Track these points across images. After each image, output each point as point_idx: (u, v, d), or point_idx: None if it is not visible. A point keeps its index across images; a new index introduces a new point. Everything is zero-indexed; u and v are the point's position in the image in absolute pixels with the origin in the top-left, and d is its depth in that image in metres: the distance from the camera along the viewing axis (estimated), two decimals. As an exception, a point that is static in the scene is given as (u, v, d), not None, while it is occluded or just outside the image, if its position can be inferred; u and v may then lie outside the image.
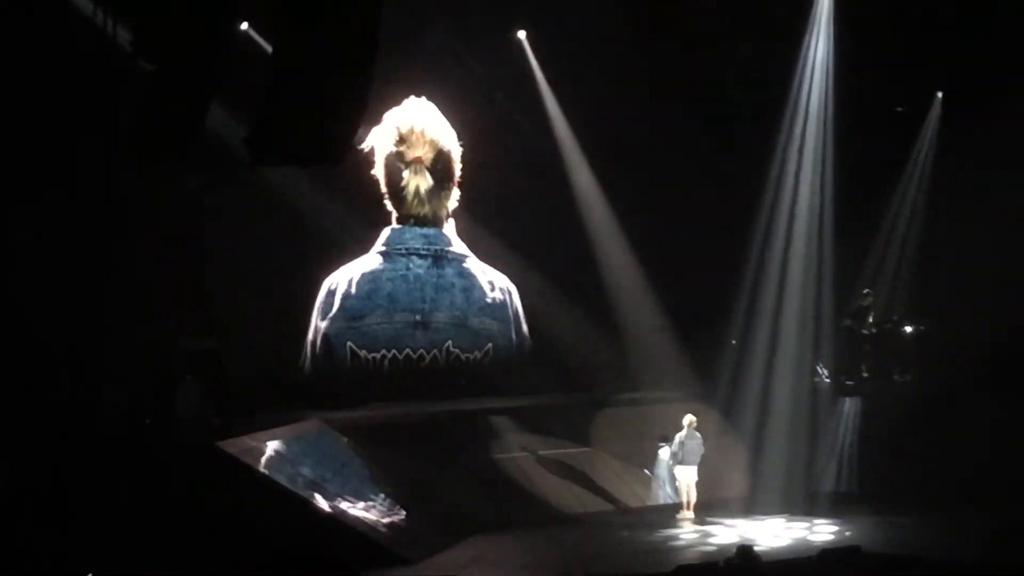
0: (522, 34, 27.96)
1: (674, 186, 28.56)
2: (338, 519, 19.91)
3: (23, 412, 20.33)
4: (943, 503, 23.67)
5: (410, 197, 26.72)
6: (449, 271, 26.99)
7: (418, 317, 26.49)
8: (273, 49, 14.60)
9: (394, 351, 26.22)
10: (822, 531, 22.44)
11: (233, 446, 20.12)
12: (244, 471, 19.65)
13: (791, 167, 29.09)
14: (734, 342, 28.50)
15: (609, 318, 28.05)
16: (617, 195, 28.66)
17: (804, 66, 29.11)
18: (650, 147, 28.56)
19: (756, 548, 17.44)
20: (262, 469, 20.04)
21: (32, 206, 23.25)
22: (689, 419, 23.74)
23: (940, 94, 29.64)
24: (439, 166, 26.96)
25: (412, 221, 26.96)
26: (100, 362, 21.46)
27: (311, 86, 13.57)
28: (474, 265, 27.21)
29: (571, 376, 27.84)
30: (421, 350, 26.37)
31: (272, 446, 21.19)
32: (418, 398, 25.52)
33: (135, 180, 22.02)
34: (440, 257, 27.00)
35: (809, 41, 28.80)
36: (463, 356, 26.63)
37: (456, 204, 27.38)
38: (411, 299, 26.58)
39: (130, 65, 20.31)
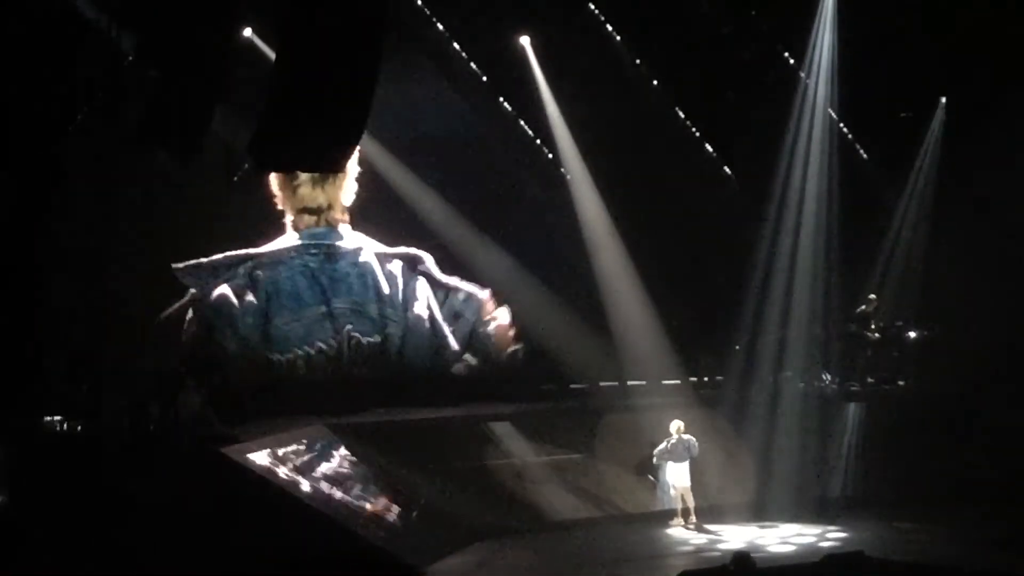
0: (525, 39, 27.96)
1: (678, 192, 28.58)
2: (342, 525, 19.89)
3: (25, 417, 20.35)
4: (947, 508, 23.65)
5: (302, 184, 26.66)
6: (342, 263, 26.83)
7: (323, 308, 26.41)
8: (276, 55, 14.63)
9: (306, 348, 26.08)
10: (826, 536, 22.40)
11: (236, 452, 20.10)
12: (247, 477, 19.63)
13: (797, 173, 29.11)
14: (738, 347, 28.50)
15: (609, 324, 28.01)
16: (620, 203, 28.64)
17: (808, 72, 29.14)
18: (654, 155, 28.58)
19: (757, 554, 17.45)
20: (265, 475, 20.02)
21: (34, 209, 23.27)
22: (676, 425, 23.66)
23: (944, 99, 29.64)
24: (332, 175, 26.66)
25: (306, 216, 26.79)
26: (102, 368, 21.49)
27: (314, 92, 13.60)
28: (370, 256, 27.02)
29: (569, 381, 27.89)
30: (331, 340, 26.27)
31: (275, 452, 21.17)
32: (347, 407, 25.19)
33: (137, 183, 22.06)
34: (331, 253, 26.85)
35: (813, 48, 28.81)
36: (363, 340, 26.45)
37: (353, 199, 27.13)
38: (313, 292, 26.52)
39: (136, 71, 20.50)
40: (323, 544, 18.80)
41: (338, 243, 26.85)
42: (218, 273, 25.53)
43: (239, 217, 25.92)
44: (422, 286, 27.17)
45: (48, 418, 20.90)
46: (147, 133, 15.72)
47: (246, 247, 25.79)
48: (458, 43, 27.25)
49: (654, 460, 23.89)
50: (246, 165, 24.15)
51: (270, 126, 13.88)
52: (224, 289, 25.35)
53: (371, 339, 26.47)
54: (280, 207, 26.78)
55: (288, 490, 19.96)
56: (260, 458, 20.52)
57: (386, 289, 26.78)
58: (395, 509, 21.95)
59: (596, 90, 28.83)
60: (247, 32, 23.55)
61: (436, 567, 20.11)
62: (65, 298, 22.26)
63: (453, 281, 27.37)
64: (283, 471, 20.66)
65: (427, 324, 27.00)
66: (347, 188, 27.03)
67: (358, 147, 23.68)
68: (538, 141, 28.15)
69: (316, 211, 26.92)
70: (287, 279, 26.26)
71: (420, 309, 27.02)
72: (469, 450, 24.49)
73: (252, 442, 21.00)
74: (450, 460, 24.09)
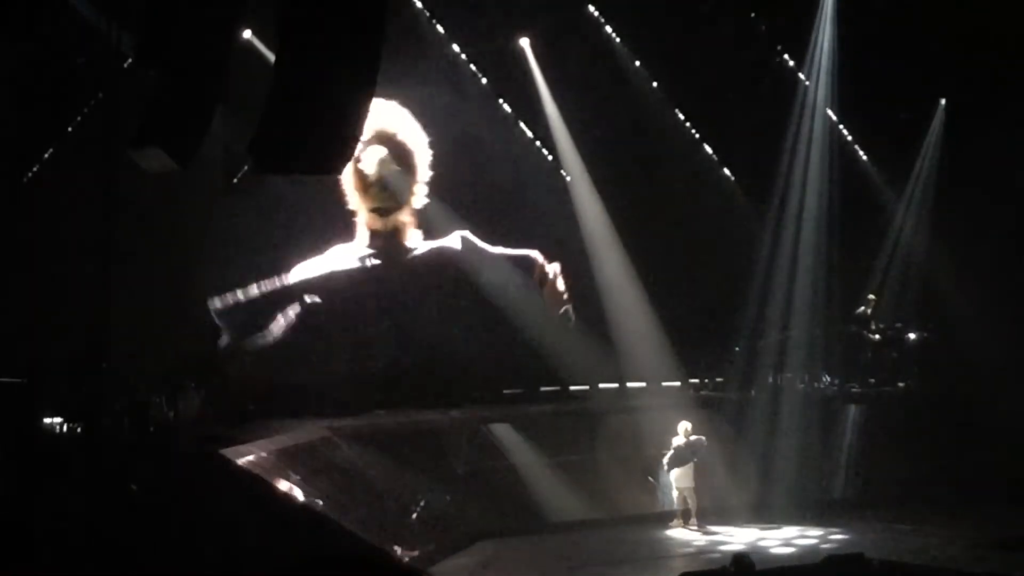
0: (524, 41, 27.97)
1: (678, 193, 28.60)
2: (342, 527, 19.88)
3: (25, 417, 20.34)
4: (947, 509, 23.66)
5: (372, 182, 26.95)
6: (404, 272, 27.52)
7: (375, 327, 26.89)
8: (276, 57, 14.62)
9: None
10: (826, 538, 22.41)
11: (236, 454, 20.09)
12: (247, 479, 19.63)
13: (797, 174, 29.15)
14: (738, 349, 28.52)
15: (609, 325, 28.01)
16: (620, 205, 28.64)
17: (808, 74, 29.18)
18: (654, 156, 28.60)
19: (757, 555, 17.43)
20: (265, 477, 20.01)
21: (35, 210, 23.29)
22: (685, 427, 23.67)
23: (943, 101, 29.65)
24: (400, 159, 27.26)
25: (376, 215, 27.18)
26: (102, 369, 21.48)
27: (314, 95, 13.59)
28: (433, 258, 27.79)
29: (570, 383, 27.97)
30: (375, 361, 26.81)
31: (275, 454, 21.16)
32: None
33: (136, 186, 22.03)
34: (395, 260, 27.41)
35: (813, 49, 28.85)
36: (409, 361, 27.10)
37: (425, 201, 27.53)
38: (365, 311, 26.98)
39: (134, 72, 20.50)
40: (323, 546, 18.78)
41: (404, 247, 27.36)
42: (257, 314, 25.81)
43: (240, 219, 25.91)
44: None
45: (48, 419, 20.90)
46: (146, 134, 15.69)
47: (247, 249, 25.77)
48: (458, 45, 27.23)
49: (664, 463, 23.82)
50: (246, 167, 24.13)
51: (270, 128, 13.86)
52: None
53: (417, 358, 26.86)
54: (351, 207, 27.09)
55: (288, 492, 19.95)
56: (260, 460, 20.51)
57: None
58: (396, 511, 21.94)
59: (595, 92, 28.86)
60: (247, 33, 23.54)
61: (437, 568, 20.12)
62: (65, 298, 22.25)
63: (499, 250, 27.89)
64: (283, 473, 20.65)
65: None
66: (418, 192, 27.41)
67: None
68: (537, 143, 28.14)
69: (386, 212, 27.19)
70: (342, 301, 26.61)
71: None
72: (470, 452, 24.50)
73: (252, 443, 20.99)
74: (451, 462, 24.12)
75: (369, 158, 26.97)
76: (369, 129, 26.44)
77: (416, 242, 27.73)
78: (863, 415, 26.38)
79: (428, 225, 27.80)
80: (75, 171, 23.23)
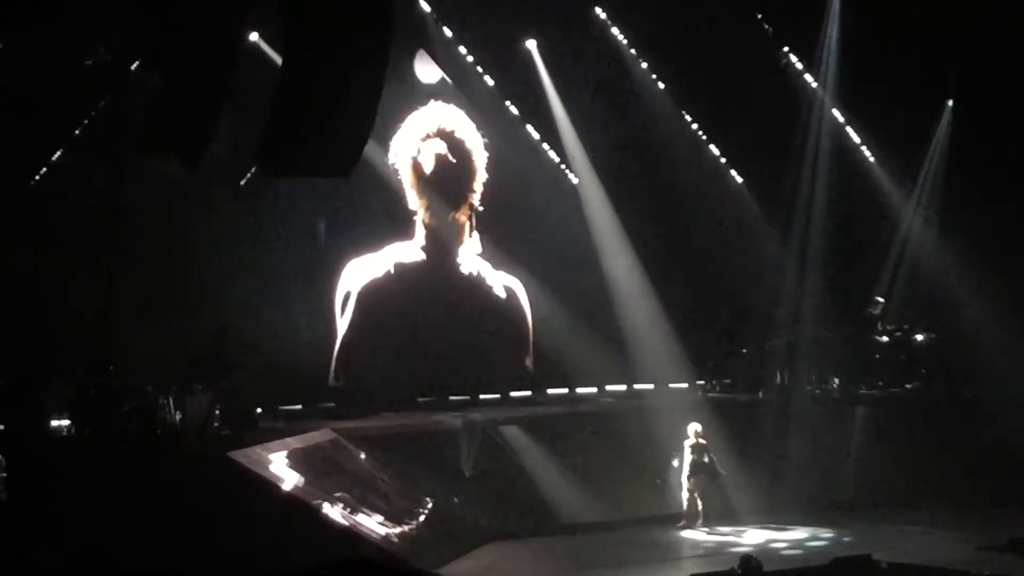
0: (531, 43, 27.97)
1: (686, 195, 28.60)
2: (349, 529, 19.88)
3: (32, 419, 20.36)
4: (955, 511, 23.60)
5: (430, 177, 27.27)
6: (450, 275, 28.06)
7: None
8: (283, 60, 14.62)
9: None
10: (833, 539, 22.37)
11: (244, 456, 20.09)
12: (254, 481, 19.63)
13: (805, 176, 29.14)
14: (745, 351, 28.50)
15: (618, 327, 28.00)
16: (628, 207, 28.65)
17: (815, 75, 29.18)
18: (661, 158, 28.61)
19: (764, 557, 17.39)
20: (272, 479, 20.02)
21: (42, 212, 23.31)
22: (694, 428, 23.63)
23: (950, 102, 29.61)
24: (458, 155, 27.66)
25: (434, 212, 27.58)
26: (109, 371, 21.50)
27: (321, 97, 13.58)
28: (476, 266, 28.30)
29: (578, 385, 28.04)
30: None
31: (283, 456, 21.17)
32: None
33: (143, 188, 22.07)
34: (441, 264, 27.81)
35: (820, 51, 28.85)
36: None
37: (478, 204, 27.87)
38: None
39: (141, 74, 20.53)
40: (331, 548, 18.76)
41: (458, 251, 27.81)
42: None
43: (247, 222, 25.93)
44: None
45: (55, 421, 20.91)
46: (152, 137, 15.69)
47: (253, 252, 25.83)
48: (465, 47, 27.25)
49: (684, 471, 23.71)
50: (253, 169, 24.14)
51: (276, 131, 13.85)
52: None
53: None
54: (411, 206, 27.49)
55: (295, 494, 19.95)
56: (267, 462, 20.52)
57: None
58: (403, 513, 21.93)
59: (603, 94, 28.87)
60: (253, 37, 23.55)
61: (446, 571, 20.09)
62: (73, 301, 22.27)
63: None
64: (290, 475, 20.66)
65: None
66: (476, 189, 28.04)
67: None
68: (545, 145, 28.14)
69: (443, 209, 27.78)
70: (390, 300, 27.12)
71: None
72: (478, 454, 24.49)
73: (259, 446, 21.00)
74: (459, 463, 24.11)
75: (427, 152, 27.23)
76: (429, 126, 26.87)
77: (473, 250, 27.91)
78: (871, 417, 26.32)
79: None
80: (82, 174, 23.26)
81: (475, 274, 28.10)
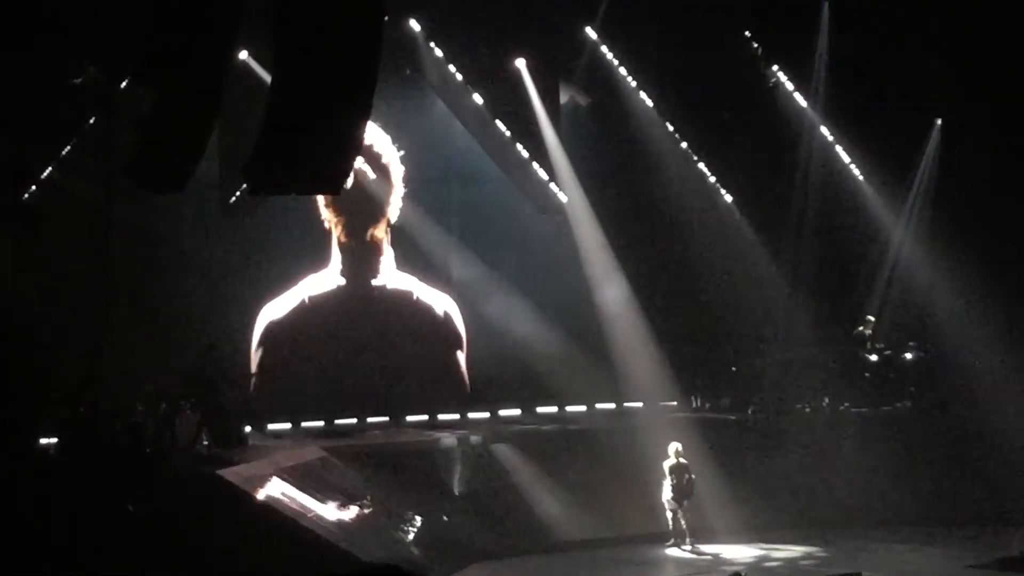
0: (520, 62, 28.00)
1: (676, 213, 28.64)
2: (338, 547, 19.86)
3: (22, 438, 20.32)
4: (945, 529, 23.64)
5: (349, 191, 27.08)
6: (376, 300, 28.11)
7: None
8: (272, 78, 14.64)
9: None
10: (824, 557, 22.37)
11: (234, 475, 20.08)
12: (243, 499, 19.61)
13: (795, 196, 29.24)
14: (735, 369, 28.52)
15: (607, 346, 28.01)
16: (617, 226, 28.68)
17: (805, 94, 29.26)
18: (652, 176, 28.66)
19: (754, 574, 17.43)
20: (261, 497, 20.00)
21: (32, 230, 23.30)
22: (675, 447, 23.57)
23: (939, 120, 29.69)
24: (376, 168, 27.55)
25: (352, 231, 27.45)
26: (98, 390, 21.46)
27: (310, 116, 13.60)
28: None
29: (568, 403, 28.09)
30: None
31: (273, 474, 21.16)
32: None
33: (133, 206, 22.07)
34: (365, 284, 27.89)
35: (810, 69, 28.93)
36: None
37: (396, 216, 27.76)
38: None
39: (131, 93, 20.55)
40: (320, 566, 18.75)
41: (376, 271, 27.68)
42: None
43: (235, 240, 25.95)
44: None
45: (44, 440, 20.88)
46: (141, 156, 15.70)
47: (243, 270, 25.84)
48: (454, 66, 27.28)
49: (666, 494, 23.68)
50: (243, 187, 24.15)
51: (265, 148, 13.87)
52: None
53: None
54: (327, 226, 27.30)
55: (284, 512, 19.93)
56: (256, 480, 20.50)
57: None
58: (393, 531, 21.92)
59: (592, 112, 28.95)
60: (243, 55, 23.59)
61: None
62: (61, 319, 22.24)
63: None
64: (279, 493, 20.64)
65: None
66: (394, 203, 27.80)
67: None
68: (535, 164, 28.16)
69: (362, 226, 27.57)
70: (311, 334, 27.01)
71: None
72: (467, 471, 24.49)
73: (248, 464, 21.00)
74: (448, 481, 24.11)
75: None
76: None
77: (389, 265, 27.71)
78: (860, 435, 26.31)
79: (431, 255, 27.92)
80: (72, 191, 23.26)
81: (400, 288, 27.88)
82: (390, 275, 27.89)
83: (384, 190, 27.67)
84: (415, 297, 27.98)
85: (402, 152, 27.84)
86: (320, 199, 27.01)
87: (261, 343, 26.57)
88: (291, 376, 26.57)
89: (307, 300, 26.99)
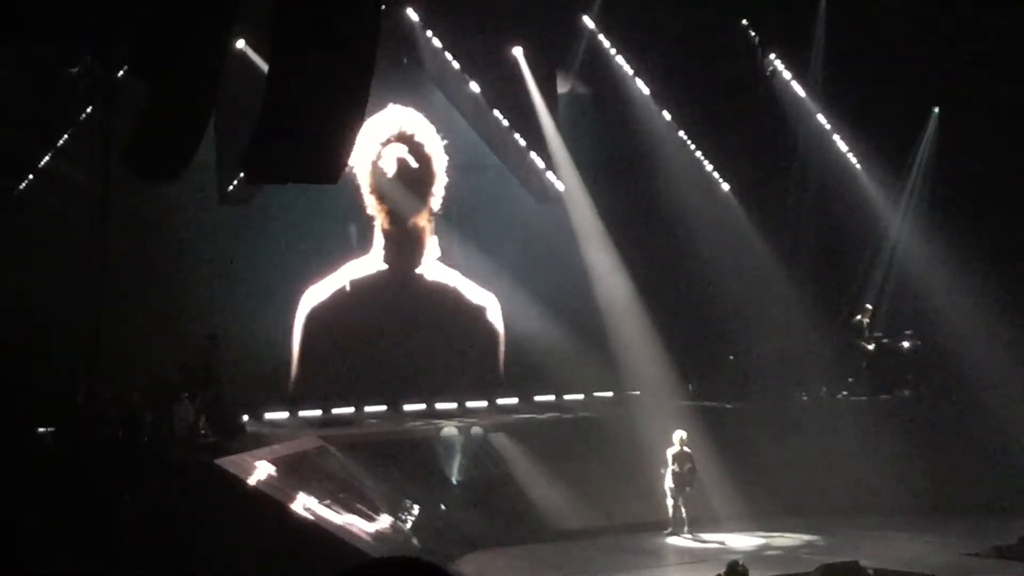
0: (518, 50, 27.97)
1: (674, 203, 28.61)
2: (336, 537, 19.87)
3: (24, 429, 20.31)
4: (943, 517, 23.66)
5: (391, 181, 27.33)
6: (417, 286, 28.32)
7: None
8: (270, 67, 14.63)
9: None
10: (821, 546, 22.40)
11: (231, 464, 20.08)
12: (241, 489, 19.62)
13: (793, 185, 29.25)
14: (732, 357, 28.51)
15: (606, 335, 28.00)
16: (614, 214, 28.65)
17: (803, 84, 29.26)
18: (649, 164, 28.65)
19: (751, 563, 17.45)
20: (258, 487, 20.00)
21: (28, 221, 23.28)
22: (679, 436, 23.62)
23: (936, 109, 29.68)
24: (419, 159, 27.75)
25: (394, 218, 27.62)
26: (96, 380, 21.45)
27: (307, 104, 13.60)
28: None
29: (566, 392, 28.12)
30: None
31: (270, 464, 21.16)
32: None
33: (130, 196, 22.03)
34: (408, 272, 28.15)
35: (807, 59, 28.92)
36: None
37: (439, 209, 27.88)
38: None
39: (127, 83, 20.52)
40: (317, 556, 18.76)
41: (419, 261, 27.89)
42: None
43: (232, 228, 25.93)
44: None
45: (41, 429, 20.87)
46: (139, 145, 15.69)
47: (240, 259, 25.84)
48: (452, 55, 27.24)
49: (667, 481, 23.70)
50: (240, 176, 24.14)
51: (263, 137, 13.87)
52: None
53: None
54: (368, 211, 27.52)
55: (282, 502, 19.94)
56: (254, 470, 20.51)
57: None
58: (391, 521, 21.93)
59: (590, 101, 28.93)
60: (240, 44, 23.54)
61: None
62: (58, 310, 22.23)
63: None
64: (277, 483, 20.65)
65: None
66: (436, 194, 28.02)
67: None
68: (532, 154, 28.12)
69: (404, 215, 27.77)
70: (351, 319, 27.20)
71: None
72: (466, 461, 24.50)
73: (246, 454, 21.00)
74: (446, 470, 24.12)
75: (388, 157, 27.24)
76: (389, 130, 26.86)
77: (432, 255, 27.86)
78: (858, 423, 26.33)
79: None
80: (68, 182, 23.23)
81: (439, 280, 28.01)
82: (432, 265, 28.02)
83: (426, 179, 27.84)
84: (455, 289, 28.16)
85: (446, 142, 27.88)
86: (364, 188, 27.31)
87: (303, 327, 26.83)
88: (331, 360, 26.76)
89: (348, 286, 27.17)
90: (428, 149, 27.83)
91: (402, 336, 27.40)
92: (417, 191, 27.81)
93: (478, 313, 28.32)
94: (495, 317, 28.43)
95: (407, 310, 27.59)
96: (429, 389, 27.47)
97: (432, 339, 27.61)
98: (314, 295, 26.96)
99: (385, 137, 27.36)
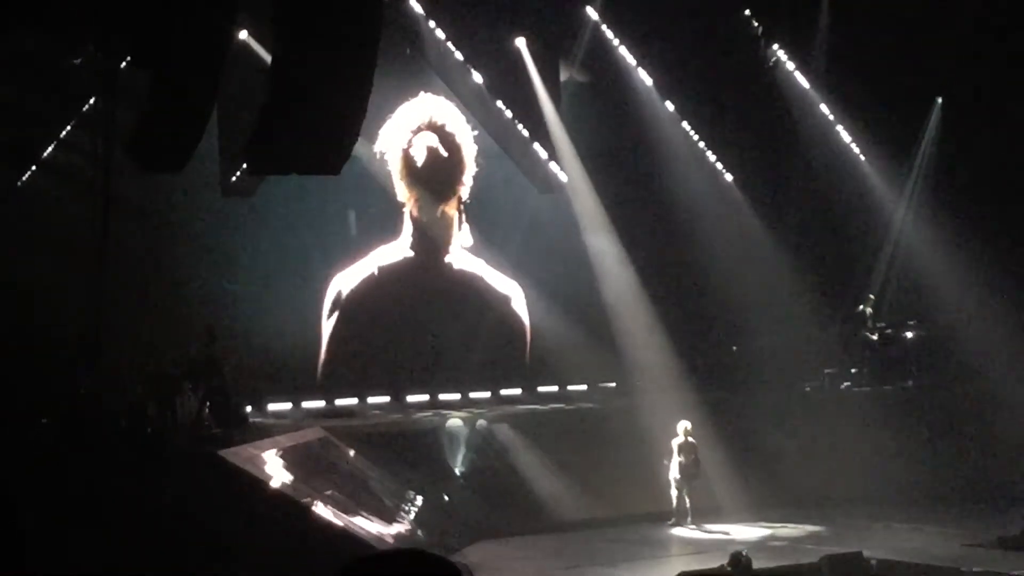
0: (521, 41, 27.95)
1: (677, 193, 28.60)
2: (339, 528, 19.86)
3: (26, 420, 20.31)
4: (947, 507, 23.65)
5: (421, 169, 27.41)
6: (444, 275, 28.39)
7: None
8: (272, 58, 14.62)
9: None
10: (824, 536, 22.39)
11: (235, 455, 20.08)
12: (244, 480, 19.61)
13: (796, 174, 29.24)
14: (735, 348, 28.50)
15: (610, 326, 28.00)
16: (618, 205, 28.63)
17: (805, 74, 29.23)
18: (652, 153, 28.63)
19: (754, 554, 17.45)
20: (262, 478, 20.00)
21: (30, 211, 23.28)
22: (684, 426, 23.62)
23: (940, 99, 29.64)
24: (449, 147, 27.86)
25: (423, 205, 27.72)
26: (98, 370, 21.46)
27: (310, 96, 13.59)
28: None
29: (570, 383, 28.12)
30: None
31: (274, 455, 21.16)
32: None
33: (132, 186, 22.04)
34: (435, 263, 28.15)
35: (810, 48, 28.90)
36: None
37: (467, 197, 28.07)
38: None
39: (130, 73, 20.51)
40: (322, 546, 18.77)
41: (447, 248, 27.97)
42: None
43: (235, 219, 25.90)
44: None
45: (44, 420, 20.87)
46: (141, 136, 15.69)
47: (241, 250, 25.82)
48: (454, 46, 27.21)
49: (672, 472, 23.70)
50: (242, 167, 24.12)
51: (266, 128, 13.86)
52: None
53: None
54: (399, 198, 27.64)
55: (286, 493, 19.93)
56: (258, 461, 20.50)
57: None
58: (394, 511, 21.93)
59: (592, 91, 28.89)
60: (243, 35, 23.52)
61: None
62: (61, 299, 22.24)
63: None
64: (281, 474, 20.65)
65: None
66: (466, 182, 28.16)
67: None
68: (535, 145, 28.09)
69: (433, 202, 27.89)
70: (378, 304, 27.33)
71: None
72: (469, 451, 24.51)
73: (250, 445, 20.99)
74: (450, 461, 24.13)
75: (419, 145, 27.32)
76: (420, 118, 26.96)
77: (463, 243, 27.93)
78: (861, 414, 26.33)
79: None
80: (70, 173, 23.24)
81: (467, 269, 28.12)
82: (460, 254, 28.05)
83: (456, 168, 27.92)
84: (482, 278, 28.19)
85: (476, 132, 27.92)
86: (395, 174, 27.44)
87: (334, 311, 26.95)
88: (361, 346, 26.98)
89: (376, 271, 27.24)
90: (459, 138, 27.96)
91: (428, 323, 27.51)
92: (446, 180, 27.94)
93: (504, 302, 28.34)
94: (520, 306, 28.44)
95: (435, 298, 27.68)
96: (453, 378, 27.50)
97: (458, 327, 27.68)
98: (343, 280, 27.04)
99: (416, 125, 27.49)
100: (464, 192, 28.08)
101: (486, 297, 28.23)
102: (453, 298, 27.88)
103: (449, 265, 28.10)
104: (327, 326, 26.91)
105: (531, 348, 28.18)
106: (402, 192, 27.65)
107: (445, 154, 27.76)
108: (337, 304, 26.96)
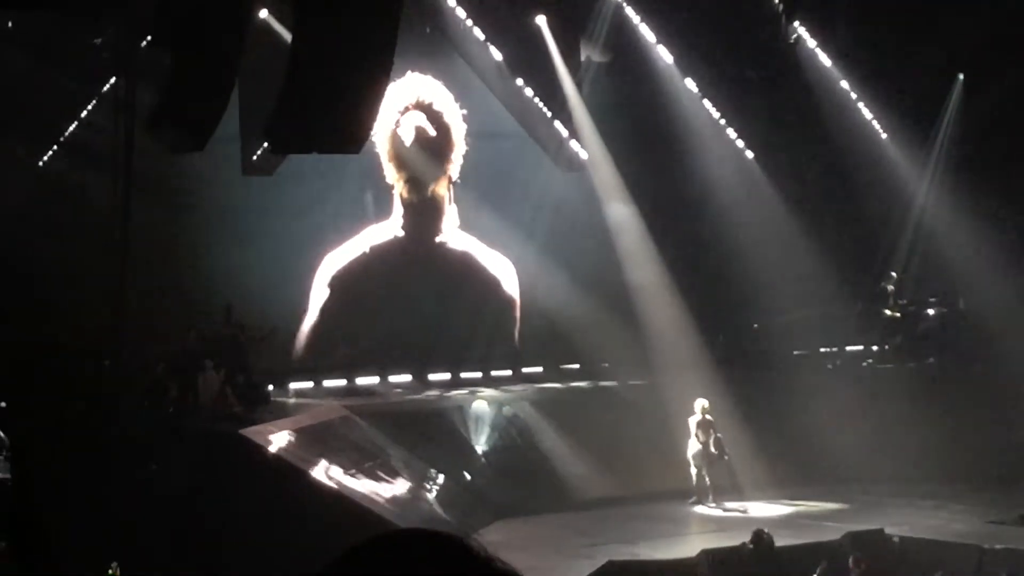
0: (541, 19, 27.85)
1: (698, 170, 28.53)
2: (360, 506, 19.91)
3: (47, 401, 20.38)
4: (968, 485, 23.60)
5: (409, 149, 27.27)
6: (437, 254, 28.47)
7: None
8: (293, 37, 14.62)
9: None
10: (846, 514, 22.36)
11: (257, 433, 20.14)
12: (266, 458, 19.68)
13: (818, 152, 29.15)
14: (756, 326, 28.46)
15: (631, 304, 27.94)
16: (638, 183, 28.57)
17: (827, 51, 29.12)
18: (671, 130, 28.55)
19: (776, 532, 17.45)
20: (284, 456, 20.06)
21: (52, 191, 23.35)
22: (701, 404, 23.55)
23: (961, 75, 29.51)
24: (437, 127, 27.69)
25: (412, 186, 27.64)
26: (123, 351, 21.52)
27: (331, 74, 13.60)
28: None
29: (590, 361, 28.08)
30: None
31: (294, 433, 21.21)
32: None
33: (153, 166, 22.07)
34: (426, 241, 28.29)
35: (831, 26, 28.78)
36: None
37: (456, 177, 27.97)
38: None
39: (151, 52, 20.53)
40: (343, 524, 18.82)
41: (438, 228, 27.91)
42: None
43: (256, 198, 25.91)
44: None
45: (66, 399, 20.94)
46: (162, 116, 15.72)
47: (262, 228, 25.82)
48: (474, 24, 27.13)
49: (690, 451, 23.67)
50: (264, 145, 24.11)
51: (287, 107, 13.88)
52: None
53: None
54: (388, 180, 27.55)
55: (307, 471, 19.99)
56: (279, 439, 20.57)
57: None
58: (415, 490, 21.97)
59: (612, 68, 28.80)
60: (263, 14, 23.48)
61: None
62: (83, 279, 22.29)
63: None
64: (302, 453, 20.70)
65: None
66: (455, 161, 28.01)
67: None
68: (556, 123, 28.01)
69: (422, 182, 27.74)
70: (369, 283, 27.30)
71: None
72: (490, 430, 24.53)
73: (271, 423, 21.05)
74: (472, 440, 24.15)
75: (407, 125, 27.25)
76: (407, 98, 26.86)
77: (451, 223, 27.91)
78: (884, 391, 26.27)
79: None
80: (92, 152, 23.27)
81: (458, 248, 28.04)
82: (451, 233, 28.04)
83: (445, 147, 27.86)
84: (473, 257, 28.16)
85: (465, 111, 27.88)
86: (383, 155, 27.29)
87: (327, 287, 26.94)
88: (347, 325, 26.94)
89: (368, 250, 27.24)
90: (447, 117, 27.80)
91: (419, 304, 27.44)
92: (435, 159, 27.80)
93: (494, 282, 28.29)
94: (511, 286, 28.40)
95: (426, 278, 27.62)
96: (445, 358, 27.47)
97: (448, 307, 27.64)
98: (334, 260, 27.00)
99: (403, 105, 27.31)
100: (453, 171, 27.96)
101: (476, 277, 28.15)
102: (444, 277, 27.82)
103: (440, 245, 28.00)
104: (316, 302, 26.85)
105: (553, 328, 27.98)
106: (391, 173, 27.51)
107: (433, 133, 27.58)
108: (329, 281, 26.94)
